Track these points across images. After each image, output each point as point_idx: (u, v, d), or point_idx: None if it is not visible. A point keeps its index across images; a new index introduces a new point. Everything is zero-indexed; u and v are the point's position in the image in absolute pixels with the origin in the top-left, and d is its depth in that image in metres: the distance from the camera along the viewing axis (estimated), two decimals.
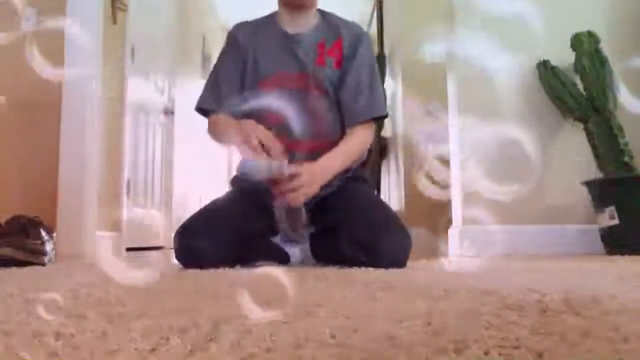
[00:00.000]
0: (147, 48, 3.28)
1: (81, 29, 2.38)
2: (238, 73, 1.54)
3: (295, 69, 1.51)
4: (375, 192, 3.38)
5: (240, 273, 1.15)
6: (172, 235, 1.41)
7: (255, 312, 0.53)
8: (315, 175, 1.33)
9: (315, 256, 1.56)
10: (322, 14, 1.59)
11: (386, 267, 1.23)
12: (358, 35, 1.56)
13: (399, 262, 1.31)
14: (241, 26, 1.61)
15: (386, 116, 1.60)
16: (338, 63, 1.53)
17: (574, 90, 2.19)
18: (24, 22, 2.44)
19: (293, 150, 1.41)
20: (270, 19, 1.60)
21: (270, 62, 1.52)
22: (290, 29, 1.55)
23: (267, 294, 0.70)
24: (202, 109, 1.56)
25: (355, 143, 1.50)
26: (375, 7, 4.19)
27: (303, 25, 1.55)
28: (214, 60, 1.68)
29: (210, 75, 1.59)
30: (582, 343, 0.42)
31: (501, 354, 0.39)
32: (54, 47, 2.32)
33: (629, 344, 0.42)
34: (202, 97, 1.56)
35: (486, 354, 0.39)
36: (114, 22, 2.62)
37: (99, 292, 0.77)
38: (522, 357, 0.38)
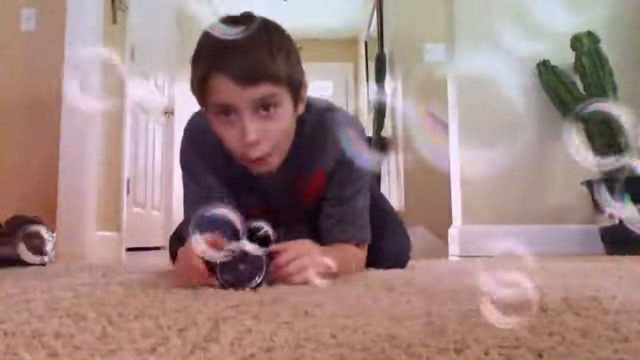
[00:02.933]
0: (147, 48, 3.28)
1: (81, 28, 2.38)
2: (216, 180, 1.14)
3: (270, 207, 1.20)
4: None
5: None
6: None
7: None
8: (305, 244, 0.95)
9: None
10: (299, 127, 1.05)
11: (387, 267, 1.23)
12: (344, 151, 1.10)
13: (400, 262, 1.30)
14: (193, 155, 1.15)
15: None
16: (321, 190, 1.16)
17: (574, 90, 2.18)
18: (24, 22, 2.44)
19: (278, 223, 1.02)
20: (221, 152, 1.02)
21: (241, 202, 1.17)
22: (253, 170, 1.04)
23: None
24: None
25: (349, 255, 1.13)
26: (375, 8, 4.19)
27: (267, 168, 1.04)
28: None
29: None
30: (582, 343, 0.42)
31: (501, 354, 0.39)
32: (54, 47, 2.32)
33: (629, 344, 0.42)
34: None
35: (486, 354, 0.39)
36: (114, 22, 2.62)
37: (99, 292, 0.77)
38: (522, 357, 0.38)
